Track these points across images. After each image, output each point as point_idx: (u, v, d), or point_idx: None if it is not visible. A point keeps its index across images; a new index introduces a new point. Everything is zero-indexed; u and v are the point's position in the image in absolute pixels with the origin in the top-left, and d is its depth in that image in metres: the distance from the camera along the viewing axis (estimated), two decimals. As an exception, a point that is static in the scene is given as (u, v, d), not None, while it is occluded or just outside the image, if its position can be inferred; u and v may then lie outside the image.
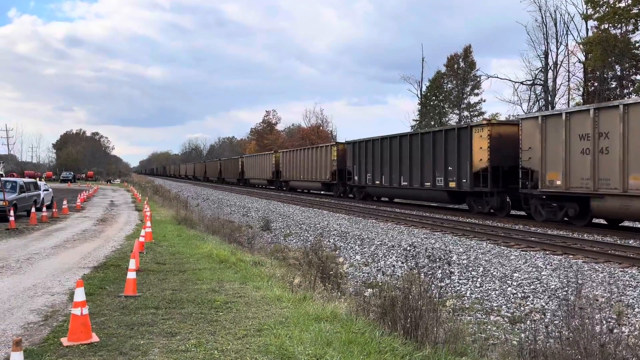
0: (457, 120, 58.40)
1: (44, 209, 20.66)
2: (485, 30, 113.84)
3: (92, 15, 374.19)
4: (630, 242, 13.86)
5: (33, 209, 19.24)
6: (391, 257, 13.38)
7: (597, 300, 8.18)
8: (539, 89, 44.49)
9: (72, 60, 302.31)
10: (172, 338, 5.60)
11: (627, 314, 7.96)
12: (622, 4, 34.09)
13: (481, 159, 19.79)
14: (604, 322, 7.38)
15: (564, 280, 9.70)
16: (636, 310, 8.12)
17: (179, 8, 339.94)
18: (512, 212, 20.46)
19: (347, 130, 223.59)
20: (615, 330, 4.80)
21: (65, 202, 24.53)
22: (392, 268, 12.38)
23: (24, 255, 11.42)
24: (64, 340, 5.44)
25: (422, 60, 62.99)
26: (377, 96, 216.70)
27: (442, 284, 9.19)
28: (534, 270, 10.80)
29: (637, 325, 7.44)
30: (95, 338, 5.49)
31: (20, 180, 21.61)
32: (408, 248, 13.70)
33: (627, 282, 9.49)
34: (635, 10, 33.22)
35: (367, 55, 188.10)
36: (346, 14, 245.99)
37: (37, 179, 34.92)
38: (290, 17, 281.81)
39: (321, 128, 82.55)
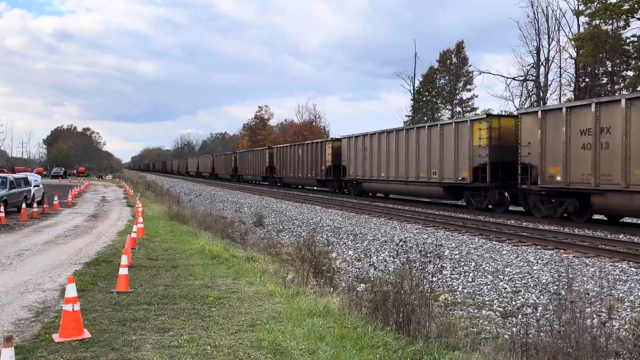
0: (450, 115, 58.58)
1: (35, 205, 20.53)
2: (479, 25, 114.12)
3: (82, 9, 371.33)
4: (620, 236, 13.98)
5: (24, 205, 19.11)
6: (384, 252, 13.41)
7: (588, 294, 8.24)
8: (530, 84, 44.70)
9: (62, 54, 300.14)
10: (164, 334, 5.59)
11: (617, 307, 8.04)
12: (614, 0, 34.25)
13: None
14: (595, 315, 7.44)
15: (555, 274, 9.77)
16: (626, 304, 8.20)
17: (171, 2, 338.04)
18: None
19: (341, 126, 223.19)
20: (606, 324, 4.84)
21: (56, 198, 24.36)
22: (385, 263, 12.41)
23: (14, 251, 11.34)
24: (56, 337, 5.42)
25: (415, 56, 63.04)
26: (371, 92, 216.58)
27: (434, 278, 9.21)
28: (525, 264, 10.87)
29: (627, 319, 7.51)
30: (87, 334, 5.46)
31: (11, 176, 21.44)
32: (400, 243, 13.74)
33: (617, 277, 9.57)
34: (626, 7, 33.37)
35: (360, 50, 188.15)
36: (339, 9, 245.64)
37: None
38: (283, 12, 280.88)
39: (314, 124, 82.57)
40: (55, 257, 10.64)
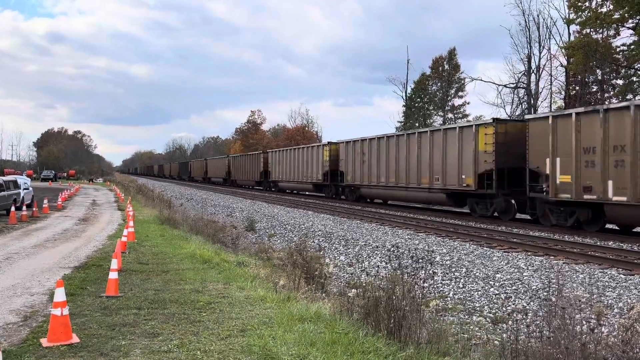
0: (442, 122, 58.85)
1: (24, 208, 20.34)
2: (471, 32, 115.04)
3: (74, 11, 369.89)
4: (610, 243, 14.08)
5: (13, 208, 18.92)
6: (375, 258, 13.41)
7: (578, 300, 8.29)
8: (522, 92, 45.06)
9: (54, 56, 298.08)
10: (154, 339, 5.55)
11: (606, 314, 8.09)
12: (604, 9, 34.65)
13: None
14: (584, 322, 7.48)
15: (545, 280, 9.81)
16: (615, 310, 8.25)
17: (164, 5, 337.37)
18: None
19: (333, 131, 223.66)
20: (595, 330, 4.86)
21: (46, 201, 24.17)
22: (376, 268, 12.40)
23: (2, 254, 11.23)
24: (44, 341, 5.36)
25: (407, 62, 63.26)
26: (363, 97, 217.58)
27: (426, 284, 9.24)
28: (516, 271, 10.92)
29: (616, 326, 7.55)
30: (75, 339, 5.41)
31: (0, 179, 21.24)
32: (392, 249, 13.75)
33: (607, 283, 9.64)
34: (616, 16, 33.76)
35: (353, 55, 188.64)
36: (333, 14, 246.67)
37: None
38: (276, 16, 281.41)
39: (307, 128, 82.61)
40: (44, 261, 10.54)
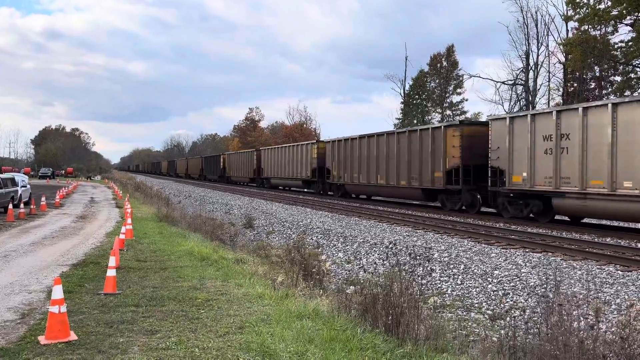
0: (440, 119, 58.85)
1: (22, 205, 20.30)
2: (470, 29, 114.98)
3: (71, 8, 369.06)
4: (608, 240, 14.11)
5: (10, 206, 18.89)
6: (373, 255, 13.42)
7: (575, 297, 8.30)
8: (520, 88, 45.05)
9: (51, 54, 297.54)
10: (152, 336, 5.54)
11: (604, 310, 8.10)
12: (602, 6, 34.62)
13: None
14: (582, 318, 7.49)
15: (543, 277, 9.83)
16: (613, 307, 8.27)
17: (162, 2, 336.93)
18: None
19: (331, 128, 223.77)
20: (594, 327, 4.88)
21: (43, 198, 24.11)
22: (374, 265, 12.40)
23: (0, 252, 11.21)
24: (42, 339, 5.35)
25: (406, 59, 63.21)
26: (362, 94, 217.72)
27: (424, 281, 9.24)
28: (514, 267, 10.93)
29: (613, 322, 7.57)
30: (73, 336, 5.41)
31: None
32: (390, 245, 13.75)
33: (604, 280, 9.65)
34: (614, 12, 33.76)
35: (352, 53, 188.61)
36: (331, 11, 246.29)
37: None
38: (274, 14, 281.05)
39: (304, 126, 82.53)
40: (42, 259, 10.52)
